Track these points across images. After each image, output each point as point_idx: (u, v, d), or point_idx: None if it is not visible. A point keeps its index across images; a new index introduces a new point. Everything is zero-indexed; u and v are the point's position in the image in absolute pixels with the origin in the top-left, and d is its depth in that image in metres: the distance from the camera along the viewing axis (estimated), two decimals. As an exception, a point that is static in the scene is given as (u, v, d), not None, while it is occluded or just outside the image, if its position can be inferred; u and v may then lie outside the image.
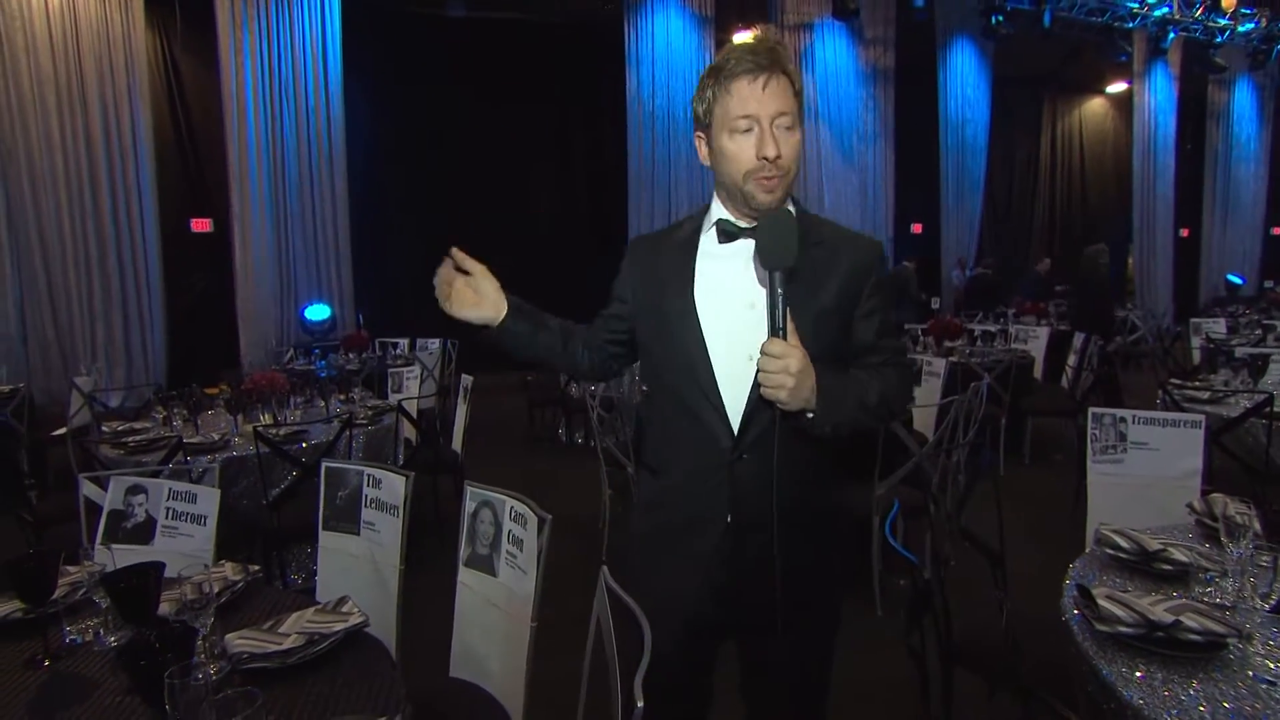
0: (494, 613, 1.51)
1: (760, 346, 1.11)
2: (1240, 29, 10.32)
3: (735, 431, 1.20)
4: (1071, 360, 5.43)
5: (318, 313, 7.34)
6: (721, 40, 9.31)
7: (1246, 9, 10.11)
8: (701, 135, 1.23)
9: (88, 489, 1.85)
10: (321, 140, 7.14)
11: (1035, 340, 5.75)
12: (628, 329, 1.36)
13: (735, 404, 1.20)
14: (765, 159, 1.14)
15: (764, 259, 1.14)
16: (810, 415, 1.14)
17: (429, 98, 8.50)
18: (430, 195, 8.58)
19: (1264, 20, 10.36)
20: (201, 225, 7.71)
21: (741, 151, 1.16)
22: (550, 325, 1.35)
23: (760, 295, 1.19)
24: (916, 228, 10.63)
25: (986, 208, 10.28)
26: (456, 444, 3.77)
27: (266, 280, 7.02)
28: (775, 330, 1.11)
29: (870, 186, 9.33)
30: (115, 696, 1.06)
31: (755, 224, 1.20)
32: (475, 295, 1.28)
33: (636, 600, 1.06)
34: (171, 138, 7.45)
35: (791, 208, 1.25)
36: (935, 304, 7.73)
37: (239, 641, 1.19)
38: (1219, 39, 10.33)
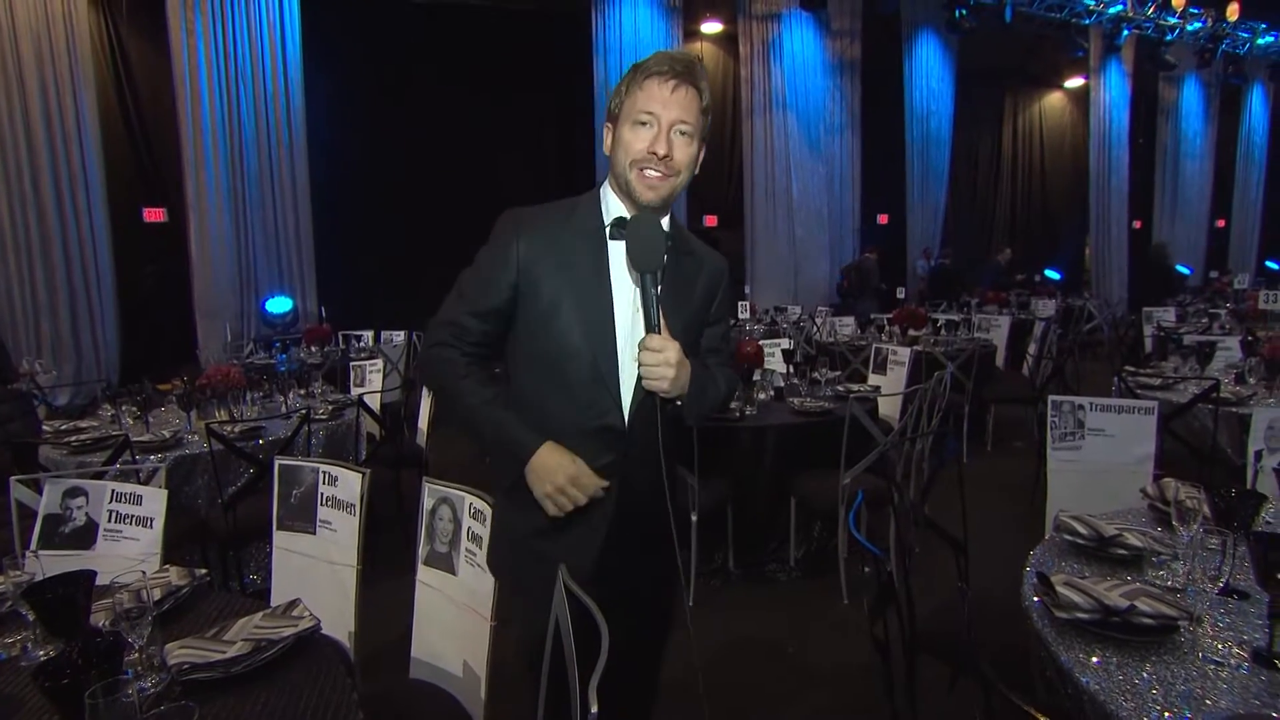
0: (454, 612, 1.48)
1: (640, 342, 1.18)
2: (1189, 28, 10.64)
3: (626, 428, 1.26)
4: (1032, 349, 5.56)
5: (279, 305, 7.13)
6: (690, 31, 9.27)
7: (1195, 8, 10.41)
8: (610, 126, 1.27)
9: (18, 492, 1.75)
10: (281, 128, 6.91)
11: (997, 329, 5.86)
12: (507, 319, 1.28)
13: (626, 401, 1.26)
14: (654, 154, 1.19)
15: (634, 261, 1.19)
16: (680, 403, 1.24)
17: (393, 85, 8.29)
18: (395, 184, 8.39)
19: (1210, 20, 10.69)
20: (155, 215, 7.41)
21: (636, 141, 1.21)
22: (498, 394, 1.27)
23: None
24: (882, 218, 10.75)
25: (950, 199, 10.45)
26: (422, 439, 3.70)
27: (225, 272, 6.79)
28: (651, 326, 1.18)
29: (837, 177, 9.40)
30: (39, 716, 1.00)
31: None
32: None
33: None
34: (120, 124, 7.13)
35: (665, 219, 1.29)
36: (901, 294, 7.82)
37: (180, 651, 1.13)
38: (1169, 37, 10.62)
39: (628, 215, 1.26)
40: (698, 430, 2.76)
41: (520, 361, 1.29)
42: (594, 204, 1.30)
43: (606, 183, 1.30)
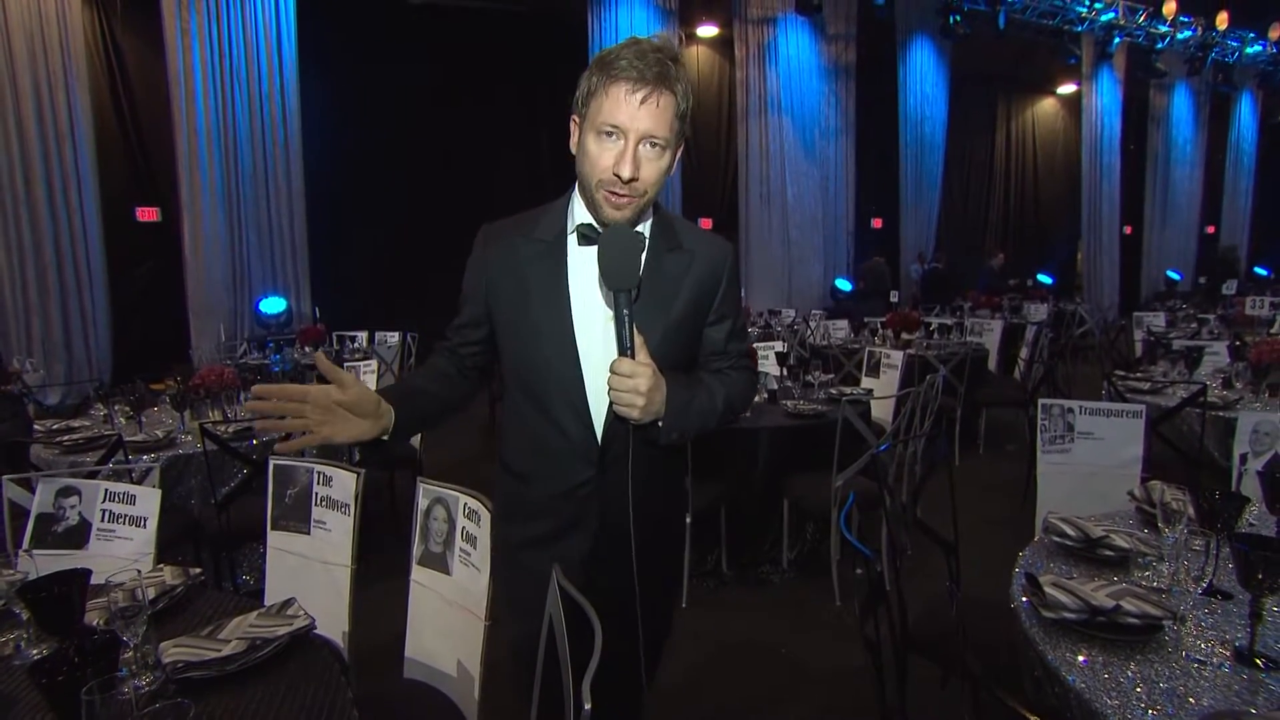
0: (448, 612, 1.48)
1: (610, 365, 1.10)
2: (1179, 36, 10.77)
3: (600, 444, 1.20)
4: (1023, 353, 5.60)
5: (273, 305, 7.12)
6: (687, 34, 9.30)
7: (1185, 17, 10.54)
8: (576, 120, 1.15)
9: (11, 491, 1.75)
10: (276, 127, 6.91)
11: (989, 333, 5.90)
12: (486, 330, 1.28)
13: (599, 416, 1.20)
14: (618, 176, 1.09)
15: (607, 280, 1.09)
16: (659, 424, 1.16)
17: (389, 85, 8.28)
18: (390, 185, 8.38)
19: (1200, 28, 10.82)
20: (148, 214, 7.37)
21: (600, 158, 1.10)
22: (429, 389, 1.25)
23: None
24: (876, 222, 10.82)
25: (943, 203, 10.52)
26: (416, 439, 3.70)
27: (218, 272, 6.78)
28: (623, 349, 1.09)
29: (832, 181, 9.46)
30: (34, 714, 1.00)
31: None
32: (355, 414, 1.09)
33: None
34: (113, 123, 7.09)
35: (645, 224, 1.20)
36: (894, 297, 7.90)
37: (174, 650, 1.13)
38: (1160, 45, 10.76)
39: (593, 222, 1.17)
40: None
41: (507, 379, 1.29)
42: (562, 209, 1.22)
43: (575, 185, 1.22)
